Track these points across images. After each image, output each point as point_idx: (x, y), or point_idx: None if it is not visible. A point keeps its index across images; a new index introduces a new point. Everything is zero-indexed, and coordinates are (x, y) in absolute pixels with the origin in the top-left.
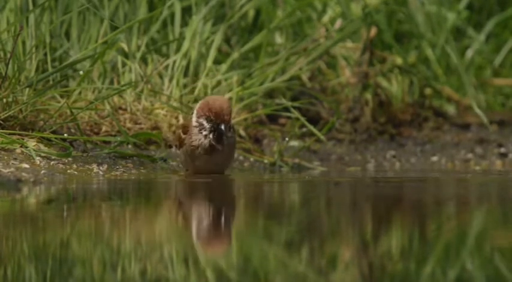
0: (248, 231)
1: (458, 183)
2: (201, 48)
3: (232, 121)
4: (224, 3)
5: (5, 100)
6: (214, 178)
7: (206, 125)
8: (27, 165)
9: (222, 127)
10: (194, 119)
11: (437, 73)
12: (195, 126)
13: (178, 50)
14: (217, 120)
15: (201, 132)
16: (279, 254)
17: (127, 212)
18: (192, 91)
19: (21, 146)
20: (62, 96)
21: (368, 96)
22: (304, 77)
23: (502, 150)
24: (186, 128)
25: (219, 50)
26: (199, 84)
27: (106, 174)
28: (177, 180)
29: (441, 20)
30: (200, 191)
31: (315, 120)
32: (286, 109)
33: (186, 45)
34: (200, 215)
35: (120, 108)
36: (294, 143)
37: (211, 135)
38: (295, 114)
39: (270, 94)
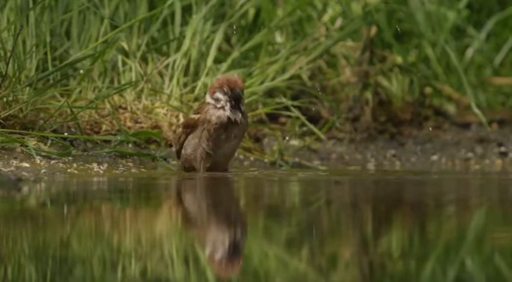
0: (249, 230)
1: (458, 183)
2: (202, 47)
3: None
4: (224, 2)
5: (5, 99)
6: (213, 176)
7: (222, 97)
8: (27, 164)
9: (238, 90)
10: (208, 99)
11: (438, 72)
12: (210, 103)
13: (178, 49)
14: (232, 86)
15: (217, 106)
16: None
17: (127, 212)
18: (193, 90)
19: (21, 145)
20: (62, 95)
21: (368, 95)
22: (305, 76)
23: (502, 149)
24: (188, 124)
25: (219, 49)
26: (200, 83)
27: (106, 173)
28: (176, 179)
29: (441, 19)
30: (200, 189)
31: (315, 119)
32: (287, 108)
33: (186, 44)
34: (200, 215)
35: (121, 107)
36: (294, 142)
37: (228, 106)
38: (296, 113)
39: (270, 93)
